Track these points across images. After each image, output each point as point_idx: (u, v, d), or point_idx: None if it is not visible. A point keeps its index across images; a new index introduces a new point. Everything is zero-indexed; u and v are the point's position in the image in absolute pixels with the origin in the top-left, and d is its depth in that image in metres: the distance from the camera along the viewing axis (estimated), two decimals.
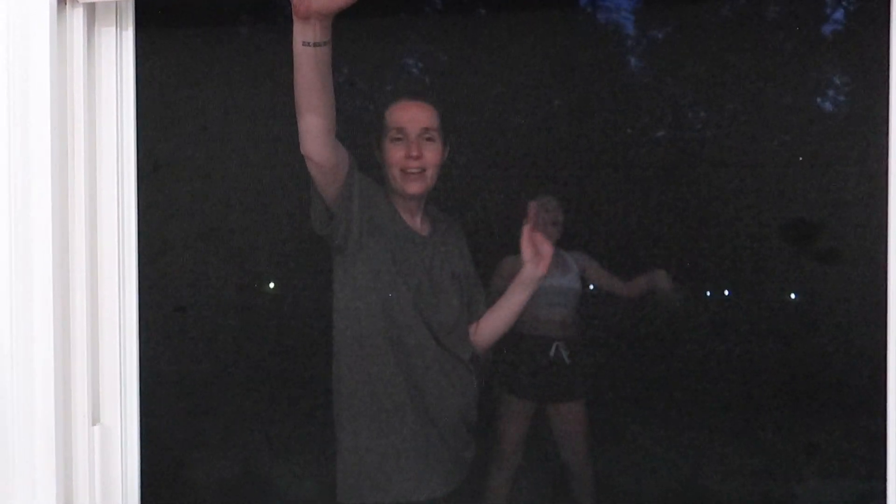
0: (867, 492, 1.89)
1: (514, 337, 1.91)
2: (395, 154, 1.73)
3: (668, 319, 2.13)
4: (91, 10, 1.35)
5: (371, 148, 1.79)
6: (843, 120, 2.06)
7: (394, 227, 1.74)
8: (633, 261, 2.15)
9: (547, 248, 1.79)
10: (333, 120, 1.55)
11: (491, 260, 2.05)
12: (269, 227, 2.12)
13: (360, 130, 1.86)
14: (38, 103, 1.29)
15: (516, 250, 1.80)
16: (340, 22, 1.44)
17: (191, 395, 2.11)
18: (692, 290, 2.16)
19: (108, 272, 1.38)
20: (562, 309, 2.22)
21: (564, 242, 2.12)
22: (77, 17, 1.33)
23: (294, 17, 1.42)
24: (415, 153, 1.72)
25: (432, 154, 1.74)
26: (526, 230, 1.79)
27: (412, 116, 1.75)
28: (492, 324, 1.84)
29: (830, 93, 2.12)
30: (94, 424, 1.37)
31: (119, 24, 1.37)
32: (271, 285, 2.26)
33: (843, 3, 2.05)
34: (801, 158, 2.04)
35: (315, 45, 1.44)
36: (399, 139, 1.73)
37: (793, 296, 2.12)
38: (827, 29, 2.07)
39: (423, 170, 1.73)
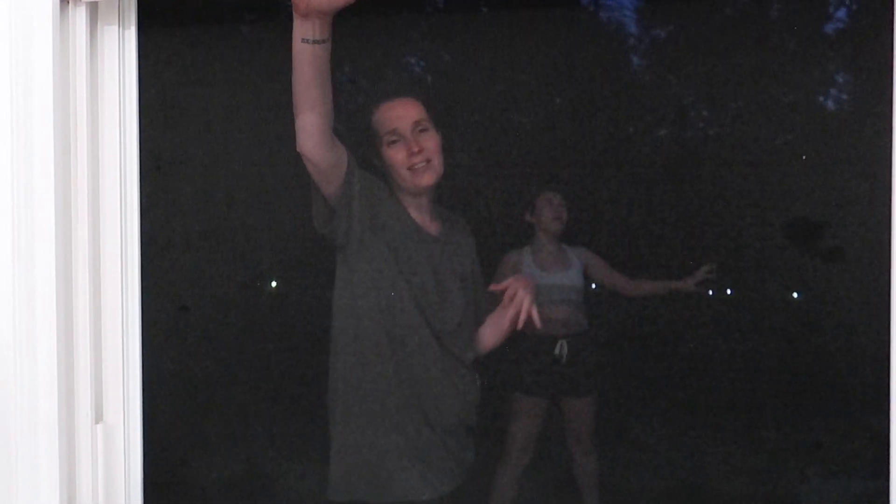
0: (871, 491, 1.89)
1: (518, 335, 1.91)
2: (397, 156, 1.73)
3: (669, 318, 2.13)
4: (93, 9, 1.36)
5: (370, 157, 1.78)
6: (846, 118, 2.05)
7: (401, 226, 1.73)
8: (636, 259, 2.14)
9: (527, 305, 1.78)
10: (331, 119, 1.55)
11: (493, 259, 2.05)
12: (272, 225, 2.12)
13: (361, 129, 1.86)
14: (40, 102, 1.29)
15: (518, 246, 1.80)
16: (341, 20, 1.44)
17: (194, 393, 2.11)
18: (694, 289, 2.16)
19: (111, 271, 1.38)
20: (565, 306, 2.22)
21: (567, 239, 2.13)
22: (79, 15, 1.33)
23: (294, 14, 1.42)
24: (415, 148, 1.72)
25: (431, 143, 1.74)
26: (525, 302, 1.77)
27: (400, 114, 1.75)
28: (491, 333, 1.84)
29: (833, 91, 2.12)
30: (97, 423, 1.37)
31: (121, 23, 1.37)
32: (274, 284, 2.25)
33: (847, 2, 2.04)
34: (804, 157, 2.03)
35: (314, 42, 1.44)
36: (395, 141, 1.73)
37: (796, 294, 2.11)
38: (830, 27, 2.07)
39: (429, 160, 1.73)
